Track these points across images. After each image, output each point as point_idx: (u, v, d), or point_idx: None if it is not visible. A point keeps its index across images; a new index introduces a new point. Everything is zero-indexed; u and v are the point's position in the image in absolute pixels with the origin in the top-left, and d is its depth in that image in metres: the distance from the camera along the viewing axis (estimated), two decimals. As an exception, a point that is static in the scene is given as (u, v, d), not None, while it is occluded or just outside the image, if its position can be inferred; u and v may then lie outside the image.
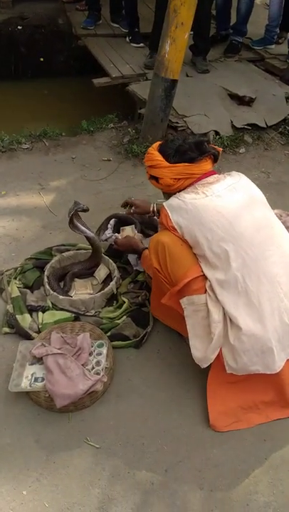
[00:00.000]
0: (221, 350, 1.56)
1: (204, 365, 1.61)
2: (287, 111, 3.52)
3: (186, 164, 1.61)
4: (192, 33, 3.41)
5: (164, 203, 1.65)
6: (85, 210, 2.01)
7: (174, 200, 1.61)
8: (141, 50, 4.12)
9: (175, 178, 1.63)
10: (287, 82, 3.90)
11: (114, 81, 3.71)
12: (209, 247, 1.53)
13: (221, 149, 1.76)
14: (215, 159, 1.68)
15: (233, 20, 4.27)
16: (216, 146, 1.72)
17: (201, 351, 1.59)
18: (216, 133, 3.27)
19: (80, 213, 2.05)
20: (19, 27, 4.72)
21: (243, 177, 1.70)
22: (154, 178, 1.70)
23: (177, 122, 3.22)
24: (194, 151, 1.62)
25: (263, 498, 1.48)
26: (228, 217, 1.54)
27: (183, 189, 1.66)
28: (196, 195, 1.58)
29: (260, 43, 4.32)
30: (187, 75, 3.76)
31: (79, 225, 2.02)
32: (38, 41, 4.83)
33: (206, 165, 1.65)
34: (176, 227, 1.59)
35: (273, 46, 4.35)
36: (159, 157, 1.65)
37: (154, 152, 1.68)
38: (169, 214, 1.60)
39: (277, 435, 1.64)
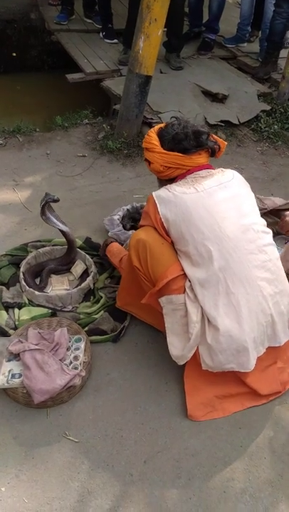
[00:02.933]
0: (197, 348, 1.59)
1: (181, 363, 1.63)
2: (259, 108, 3.59)
3: (179, 154, 1.59)
4: (166, 29, 3.43)
5: (153, 193, 1.61)
6: (56, 201, 2.00)
7: (164, 192, 1.59)
8: (115, 45, 4.11)
9: (165, 166, 1.61)
10: (259, 80, 3.97)
11: (89, 77, 3.69)
12: (194, 245, 1.53)
13: (226, 143, 1.71)
14: (212, 153, 1.65)
15: (206, 18, 4.31)
16: (219, 139, 1.68)
17: (179, 349, 1.61)
18: (191, 129, 3.30)
19: (53, 206, 2.04)
20: (-10, 21, 4.64)
21: (237, 176, 1.68)
22: (148, 161, 1.67)
23: (152, 118, 3.24)
24: (190, 142, 1.58)
25: (239, 485, 1.52)
26: (216, 216, 1.53)
27: (173, 178, 1.64)
28: (187, 190, 1.56)
29: (232, 40, 4.38)
30: (161, 72, 3.78)
31: (51, 217, 2.01)
32: (11, 36, 4.77)
33: (200, 158, 1.62)
34: (163, 220, 1.57)
35: (245, 44, 4.43)
36: (155, 141, 1.62)
37: (152, 135, 1.64)
38: (158, 206, 1.58)
39: (252, 423, 1.68)
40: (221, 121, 3.42)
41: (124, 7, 4.36)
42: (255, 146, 3.44)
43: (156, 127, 1.68)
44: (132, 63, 2.89)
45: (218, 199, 1.56)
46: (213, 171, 1.65)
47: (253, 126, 3.53)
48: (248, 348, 1.55)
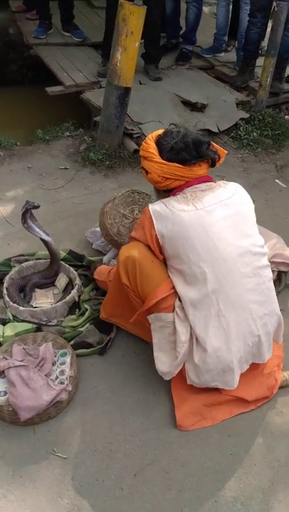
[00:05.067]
0: (184, 364, 1.59)
1: (167, 378, 1.63)
2: (238, 116, 3.64)
3: (178, 165, 1.51)
4: (143, 41, 3.48)
5: (149, 206, 1.54)
6: (36, 207, 2.00)
7: (161, 207, 1.52)
8: (94, 58, 4.14)
9: (163, 177, 1.54)
10: (237, 89, 4.04)
11: (68, 89, 3.71)
12: (189, 265, 1.49)
13: (226, 152, 1.65)
14: (212, 163, 1.58)
15: (183, 29, 4.38)
16: (219, 148, 1.61)
17: (166, 366, 1.59)
18: (171, 139, 3.33)
19: (37, 215, 2.04)
20: None
21: (239, 191, 1.61)
22: (145, 170, 1.58)
23: (132, 129, 3.26)
24: (190, 153, 1.51)
25: (230, 493, 1.52)
26: (213, 237, 1.49)
27: (171, 190, 1.58)
28: (186, 207, 1.49)
29: (209, 51, 4.45)
30: (140, 83, 3.82)
31: (33, 225, 2.01)
32: (-11, 51, 4.76)
33: (200, 170, 1.55)
34: (158, 236, 1.52)
35: (222, 54, 4.51)
36: (154, 150, 1.54)
37: (150, 143, 1.57)
38: (154, 221, 1.51)
39: (241, 430, 1.68)
40: (201, 130, 3.46)
41: (102, 19, 4.40)
42: (236, 153, 3.49)
43: (155, 134, 1.60)
44: (110, 75, 2.92)
45: (217, 218, 1.50)
46: (213, 184, 1.59)
47: (232, 134, 3.58)
48: (234, 368, 1.56)
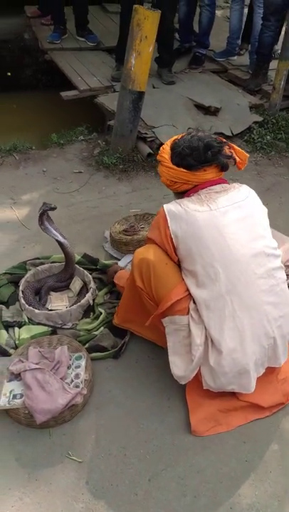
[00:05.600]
0: (199, 367, 1.58)
1: (183, 383, 1.62)
2: (252, 120, 3.63)
3: (183, 170, 1.55)
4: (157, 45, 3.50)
5: (164, 205, 1.56)
6: (53, 209, 2.03)
7: (176, 207, 1.53)
8: (107, 62, 4.17)
9: (171, 180, 1.59)
10: (251, 92, 4.03)
11: (83, 94, 3.74)
12: (202, 265, 1.50)
13: (247, 155, 1.66)
14: (223, 168, 1.58)
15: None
16: (239, 151, 1.62)
17: (181, 369, 1.59)
18: (185, 143, 3.33)
19: (53, 218, 2.08)
20: (-16, 42, 4.71)
21: (252, 194, 1.63)
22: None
23: (146, 133, 3.27)
24: (195, 158, 1.52)
25: (245, 500, 1.50)
26: (227, 238, 1.49)
27: (183, 192, 1.60)
28: (200, 207, 1.51)
29: (222, 54, 4.45)
30: (154, 87, 3.83)
31: (50, 227, 2.03)
32: (5, 56, 4.83)
33: (207, 174, 1.56)
34: (172, 236, 1.53)
35: (235, 57, 4.50)
36: (166, 154, 1.58)
37: (165, 147, 1.60)
38: (169, 221, 1.53)
39: (257, 436, 1.67)
40: (215, 134, 3.44)
41: (116, 24, 4.44)
42: (249, 156, 3.44)
43: (173, 138, 1.62)
44: (124, 80, 2.94)
45: (231, 219, 1.51)
46: (227, 186, 1.60)
47: (246, 137, 3.57)
48: (250, 370, 1.55)
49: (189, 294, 1.57)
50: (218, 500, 1.50)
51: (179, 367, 1.58)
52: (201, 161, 1.54)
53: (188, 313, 1.55)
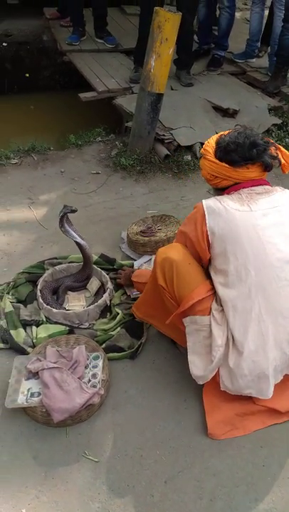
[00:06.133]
0: (218, 369, 1.57)
1: (201, 383, 1.62)
2: (270, 122, 3.60)
3: (226, 165, 1.53)
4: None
5: (203, 201, 1.54)
6: (74, 211, 2.04)
7: (215, 203, 1.51)
8: (126, 64, 4.19)
9: (212, 175, 1.58)
10: (269, 94, 4.00)
11: (101, 95, 3.76)
12: (235, 265, 1.48)
13: None
14: (267, 167, 1.54)
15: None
16: (286, 153, 1.58)
17: (200, 370, 1.59)
18: (202, 144, 3.32)
19: (71, 219, 2.09)
20: (4, 44, 4.77)
21: None
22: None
23: (164, 135, 3.27)
24: (239, 154, 1.50)
25: (262, 506, 1.49)
26: (264, 241, 1.47)
27: (223, 188, 1.59)
28: (241, 206, 1.49)
29: (241, 56, 4.43)
30: (172, 88, 3.83)
31: (70, 229, 2.05)
32: (24, 58, 4.89)
33: (249, 173, 1.54)
34: (209, 232, 1.51)
35: (254, 59, 4.48)
36: (210, 148, 1.57)
37: (210, 141, 1.60)
38: (207, 217, 1.50)
39: (274, 441, 1.65)
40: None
41: (134, 26, 4.45)
42: (268, 159, 3.43)
43: (219, 134, 1.61)
44: (143, 82, 2.94)
45: (270, 222, 1.49)
46: (270, 188, 1.57)
47: (264, 139, 3.53)
48: (269, 376, 1.53)
49: (212, 294, 1.56)
50: (234, 504, 1.48)
51: (198, 367, 1.58)
52: (245, 157, 1.51)
53: (210, 313, 1.55)
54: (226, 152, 1.52)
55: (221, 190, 1.62)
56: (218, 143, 1.57)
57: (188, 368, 1.63)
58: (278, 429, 1.69)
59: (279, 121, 3.63)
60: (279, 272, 1.49)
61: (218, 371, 1.57)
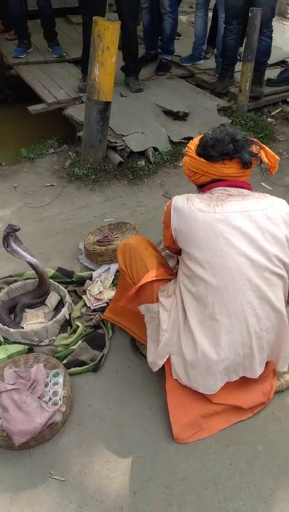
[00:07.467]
0: (170, 357, 1.62)
1: (154, 369, 1.67)
2: (220, 122, 3.66)
3: (203, 160, 1.55)
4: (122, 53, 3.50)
5: (174, 198, 1.57)
6: (16, 230, 2.02)
7: (182, 202, 1.54)
8: (74, 74, 4.18)
9: (191, 170, 1.61)
10: (218, 95, 4.08)
11: (50, 107, 3.73)
12: (193, 263, 1.52)
13: (278, 158, 1.60)
14: (246, 164, 1.52)
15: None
16: (271, 154, 1.59)
17: (153, 355, 1.65)
18: (155, 149, 3.36)
19: (23, 238, 2.07)
20: None
21: (276, 209, 1.52)
22: None
23: (116, 142, 3.28)
24: (216, 150, 1.51)
25: (231, 504, 1.50)
26: (223, 243, 1.47)
27: (202, 186, 1.62)
28: (205, 207, 1.49)
29: (188, 59, 4.50)
30: (122, 95, 3.85)
31: (18, 249, 2.01)
32: None
33: (226, 168, 1.53)
34: (172, 229, 1.56)
35: (202, 62, 4.55)
36: (192, 145, 1.61)
37: (195, 139, 1.63)
38: (172, 214, 1.55)
39: (240, 438, 1.67)
40: (184, 138, 3.48)
41: (80, 35, 4.44)
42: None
43: (207, 132, 1.62)
44: (89, 91, 2.94)
45: (235, 226, 1.47)
46: (247, 192, 1.55)
47: (216, 140, 3.59)
48: (217, 373, 1.56)
49: (162, 280, 1.66)
50: (204, 507, 1.49)
51: (152, 352, 1.64)
52: (222, 153, 1.51)
53: (157, 300, 1.62)
54: (204, 148, 1.55)
55: (200, 188, 1.65)
56: (200, 139, 1.60)
57: (152, 375, 1.64)
58: (243, 426, 1.71)
59: (229, 121, 3.70)
60: (236, 276, 1.49)
61: (170, 360, 1.62)
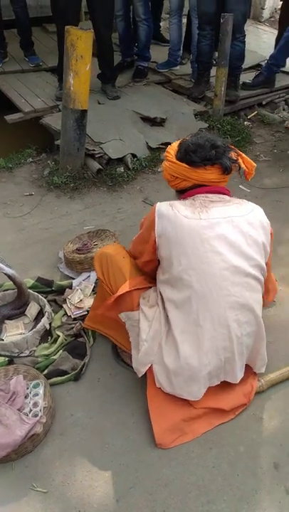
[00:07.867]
0: (152, 366, 1.62)
1: (139, 375, 1.68)
2: (197, 127, 3.70)
3: (185, 165, 1.56)
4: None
5: (157, 204, 1.56)
6: None
7: (167, 209, 1.54)
8: (51, 82, 4.18)
9: (172, 175, 1.61)
10: (195, 100, 4.12)
11: (27, 116, 3.73)
12: (178, 270, 1.51)
13: (254, 165, 1.65)
14: (226, 170, 1.55)
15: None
16: (248, 160, 1.62)
17: (135, 362, 1.67)
18: (133, 155, 3.37)
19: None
20: None
21: (256, 214, 1.57)
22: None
23: (94, 149, 3.29)
24: (198, 155, 1.53)
25: (215, 507, 1.51)
26: (208, 250, 1.49)
27: (182, 191, 1.62)
28: (190, 214, 1.50)
29: (165, 65, 4.54)
30: (99, 103, 3.86)
31: None
32: None
33: (208, 174, 1.55)
34: (156, 235, 1.54)
35: (178, 67, 4.60)
36: (172, 150, 1.61)
37: (174, 144, 1.63)
38: (156, 220, 1.54)
39: (222, 441, 1.68)
40: (162, 144, 3.51)
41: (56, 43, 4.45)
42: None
43: (183, 138, 1.64)
44: (65, 100, 2.95)
45: (218, 232, 1.50)
46: (227, 198, 1.58)
47: (193, 144, 3.63)
48: (201, 379, 1.58)
49: (141, 289, 1.66)
50: (187, 511, 1.49)
51: (134, 359, 1.66)
52: (204, 158, 1.54)
53: (138, 307, 1.62)
54: (186, 153, 1.56)
55: (180, 193, 1.66)
56: (179, 144, 1.61)
57: (134, 382, 1.64)
58: (225, 428, 1.72)
59: (205, 126, 3.74)
60: (220, 282, 1.51)
61: (152, 368, 1.62)
